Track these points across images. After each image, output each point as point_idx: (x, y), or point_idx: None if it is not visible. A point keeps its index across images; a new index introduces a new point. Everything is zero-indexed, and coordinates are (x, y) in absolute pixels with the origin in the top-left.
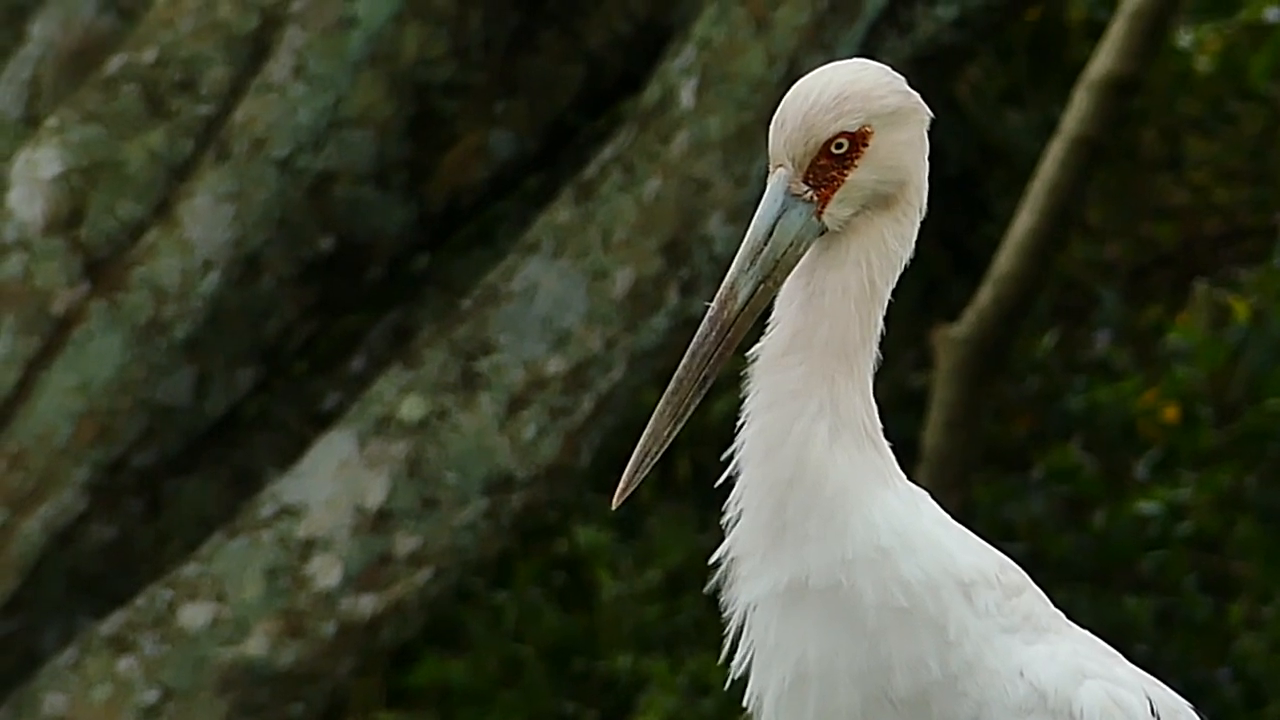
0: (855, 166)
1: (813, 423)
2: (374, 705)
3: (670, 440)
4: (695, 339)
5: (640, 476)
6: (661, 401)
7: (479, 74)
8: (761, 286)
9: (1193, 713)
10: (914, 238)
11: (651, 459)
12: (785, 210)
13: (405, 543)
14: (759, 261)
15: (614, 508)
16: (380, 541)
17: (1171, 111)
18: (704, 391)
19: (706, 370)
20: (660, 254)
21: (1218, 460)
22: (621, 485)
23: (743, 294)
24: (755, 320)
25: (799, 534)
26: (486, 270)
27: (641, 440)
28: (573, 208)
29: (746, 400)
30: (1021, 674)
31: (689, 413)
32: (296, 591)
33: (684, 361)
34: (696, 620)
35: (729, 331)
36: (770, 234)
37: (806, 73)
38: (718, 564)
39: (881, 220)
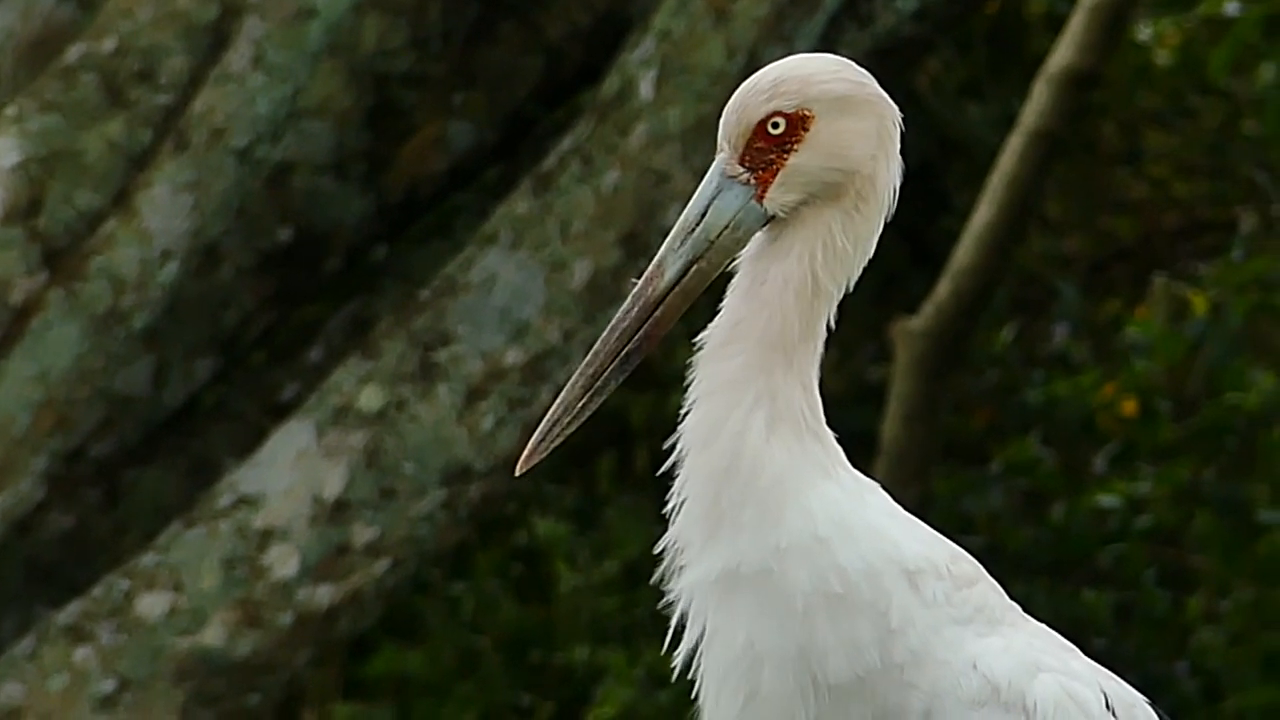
0: (795, 150)
1: (749, 413)
2: (331, 696)
3: (583, 415)
4: (618, 314)
5: (547, 447)
6: (576, 373)
7: (438, 65)
8: (694, 267)
9: (1149, 707)
10: (873, 234)
11: (562, 430)
12: (720, 191)
13: (363, 533)
14: (689, 241)
15: (517, 475)
16: (338, 532)
17: (1131, 105)
18: (625, 370)
19: (629, 346)
20: (619, 245)
21: (1176, 454)
22: (526, 453)
23: (670, 272)
24: (690, 303)
25: (735, 523)
26: (445, 261)
27: (551, 409)
28: (531, 199)
29: (689, 389)
30: (975, 666)
31: (606, 388)
32: (254, 581)
33: (603, 335)
34: (654, 612)
35: (655, 309)
36: (704, 214)
37: (765, 64)
38: (665, 554)
39: (830, 212)
